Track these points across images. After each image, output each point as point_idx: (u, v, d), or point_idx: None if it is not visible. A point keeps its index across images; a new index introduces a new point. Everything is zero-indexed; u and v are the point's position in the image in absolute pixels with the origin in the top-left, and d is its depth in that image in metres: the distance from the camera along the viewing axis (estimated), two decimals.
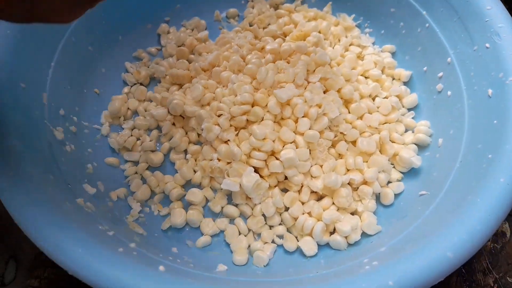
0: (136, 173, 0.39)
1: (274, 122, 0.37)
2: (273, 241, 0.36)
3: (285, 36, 0.45)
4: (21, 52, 0.34)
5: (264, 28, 0.47)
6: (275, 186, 0.37)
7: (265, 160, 0.37)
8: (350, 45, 0.46)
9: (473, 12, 0.36)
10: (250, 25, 0.48)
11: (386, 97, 0.42)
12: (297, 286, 0.27)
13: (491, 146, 0.30)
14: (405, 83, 0.43)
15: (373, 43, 0.46)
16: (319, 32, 0.45)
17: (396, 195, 0.38)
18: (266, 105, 0.37)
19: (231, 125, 0.38)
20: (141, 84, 0.44)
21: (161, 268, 0.25)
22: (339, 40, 0.46)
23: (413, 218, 0.32)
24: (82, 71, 0.41)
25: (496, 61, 0.34)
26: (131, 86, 0.44)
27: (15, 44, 0.33)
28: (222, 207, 0.37)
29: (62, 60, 0.38)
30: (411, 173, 0.38)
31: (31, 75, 0.34)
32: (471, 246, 0.25)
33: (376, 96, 0.42)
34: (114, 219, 0.33)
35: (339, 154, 0.39)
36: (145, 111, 0.42)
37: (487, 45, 0.35)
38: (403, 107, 0.42)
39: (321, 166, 0.37)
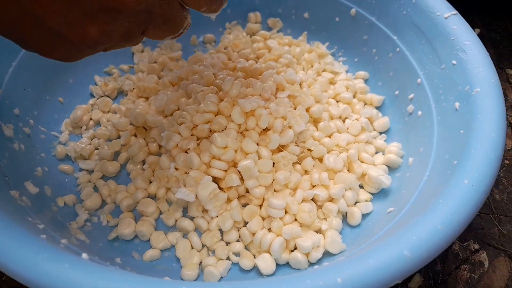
0: (89, 181, 0.37)
1: (238, 132, 0.36)
2: (228, 258, 0.33)
3: (258, 59, 0.45)
4: None
5: (238, 52, 0.47)
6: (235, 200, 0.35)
7: (226, 171, 0.35)
8: (323, 71, 0.46)
9: (440, 33, 0.36)
10: (225, 49, 0.48)
11: (356, 119, 0.41)
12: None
13: (456, 154, 0.29)
14: (377, 108, 0.43)
15: (347, 71, 0.46)
16: (293, 57, 0.45)
17: (364, 215, 0.35)
18: (230, 115, 0.36)
19: (192, 135, 0.36)
20: (107, 96, 0.43)
21: (84, 255, 0.23)
22: (312, 66, 0.46)
23: (377, 232, 0.30)
24: (47, 78, 0.40)
25: (462, 75, 0.33)
26: (98, 98, 0.43)
27: None
28: (176, 220, 0.35)
29: (25, 62, 0.37)
30: (381, 193, 0.36)
31: None
32: (431, 245, 0.22)
33: (346, 118, 0.41)
34: (54, 221, 0.31)
35: (305, 171, 0.37)
36: (108, 122, 0.41)
37: (454, 62, 0.34)
38: (375, 130, 0.41)
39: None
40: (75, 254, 0.23)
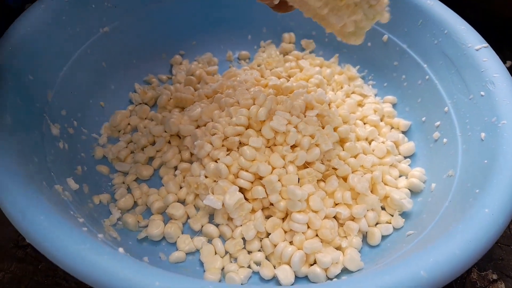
0: (123, 183, 0.39)
1: (267, 147, 0.38)
2: (249, 267, 0.34)
3: (290, 78, 0.47)
4: (37, 49, 0.36)
5: (271, 70, 0.49)
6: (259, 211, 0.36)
7: (252, 182, 0.36)
8: (352, 93, 0.47)
9: (470, 64, 0.37)
10: (258, 66, 0.50)
11: (382, 142, 0.42)
12: None
13: (479, 182, 0.30)
14: (404, 133, 0.44)
15: (376, 95, 0.48)
16: (323, 77, 0.47)
17: (384, 237, 0.36)
18: (260, 129, 0.38)
19: (223, 145, 0.38)
20: (145, 104, 0.45)
21: (121, 250, 0.24)
22: (341, 87, 0.47)
23: (395, 253, 0.31)
24: (92, 83, 0.43)
25: (490, 107, 0.34)
26: (136, 105, 0.45)
27: (34, 40, 0.36)
28: (202, 226, 0.36)
29: (74, 68, 0.40)
30: (402, 216, 0.37)
31: (41, 72, 0.36)
32: (447, 268, 0.23)
33: (373, 140, 0.42)
34: (90, 217, 0.33)
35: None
36: (144, 128, 0.43)
37: (482, 93, 0.35)
38: (400, 154, 0.42)
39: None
40: (112, 248, 0.25)
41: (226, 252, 0.35)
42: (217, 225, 0.36)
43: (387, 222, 0.37)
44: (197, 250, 0.35)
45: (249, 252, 0.35)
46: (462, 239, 0.25)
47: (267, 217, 0.36)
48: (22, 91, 0.33)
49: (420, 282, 0.23)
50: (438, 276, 0.23)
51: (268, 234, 0.35)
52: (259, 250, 0.35)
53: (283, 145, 0.37)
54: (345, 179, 0.38)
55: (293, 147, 0.38)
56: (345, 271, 0.33)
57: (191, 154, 0.40)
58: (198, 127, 0.41)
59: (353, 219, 0.36)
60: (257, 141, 0.36)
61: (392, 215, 0.37)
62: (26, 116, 0.33)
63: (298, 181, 0.36)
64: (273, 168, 0.36)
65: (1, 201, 0.25)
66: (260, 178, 0.37)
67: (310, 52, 0.52)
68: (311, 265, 0.34)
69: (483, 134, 0.33)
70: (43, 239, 0.23)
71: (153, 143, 0.42)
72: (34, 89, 0.35)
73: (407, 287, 0.22)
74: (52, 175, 0.32)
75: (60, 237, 0.23)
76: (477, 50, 0.37)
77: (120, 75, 0.46)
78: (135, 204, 0.38)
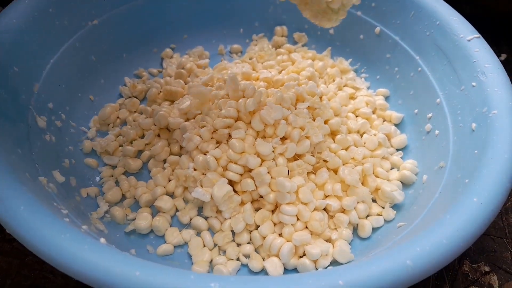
0: (111, 176, 0.39)
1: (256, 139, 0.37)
2: (238, 259, 0.34)
3: (282, 71, 0.47)
4: (23, 41, 0.35)
5: (262, 63, 0.49)
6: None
7: (241, 175, 0.36)
8: (344, 86, 0.47)
9: (462, 55, 0.37)
10: (250, 59, 0.49)
11: (374, 135, 0.42)
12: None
13: (469, 173, 0.29)
14: (396, 125, 0.43)
15: (368, 88, 0.47)
16: (315, 70, 0.46)
17: (375, 229, 0.36)
18: (250, 122, 0.37)
19: (212, 138, 0.38)
20: (135, 97, 0.45)
21: (102, 240, 0.24)
22: (333, 80, 0.47)
23: (385, 245, 0.30)
24: (81, 76, 0.42)
25: (481, 97, 0.33)
26: (126, 99, 0.45)
27: (20, 32, 0.35)
28: (190, 218, 0.36)
29: (62, 60, 0.39)
30: (393, 208, 0.36)
31: (27, 64, 0.36)
32: (434, 258, 0.23)
33: (364, 132, 0.42)
34: (77, 210, 0.32)
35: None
36: (134, 121, 0.43)
37: (474, 83, 0.35)
38: (392, 146, 0.42)
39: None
40: (94, 239, 0.25)
41: (215, 245, 0.35)
42: (205, 218, 0.36)
43: (378, 214, 0.36)
44: (186, 243, 0.35)
45: (238, 245, 0.35)
46: (450, 228, 0.24)
47: (256, 210, 0.36)
48: (6, 82, 0.33)
49: (406, 271, 0.22)
50: (424, 265, 0.23)
51: (257, 227, 0.35)
52: (248, 243, 0.35)
53: (273, 137, 0.37)
54: (335, 171, 0.38)
55: (283, 139, 0.37)
56: (335, 263, 0.33)
57: (181, 147, 0.40)
58: (187, 120, 0.40)
59: (343, 211, 0.36)
60: (240, 132, 0.36)
61: (383, 207, 0.37)
62: (10, 108, 0.32)
63: (288, 173, 0.36)
64: (263, 161, 0.36)
65: None
66: (250, 170, 0.36)
67: (303, 45, 0.51)
68: (301, 257, 0.33)
69: (474, 125, 0.33)
70: (21, 228, 0.22)
71: (142, 136, 0.42)
72: (19, 81, 0.34)
73: (393, 276, 0.22)
74: (37, 167, 0.31)
75: (39, 227, 0.23)
76: (469, 40, 0.37)
77: (110, 69, 0.45)
78: (123, 197, 0.37)
